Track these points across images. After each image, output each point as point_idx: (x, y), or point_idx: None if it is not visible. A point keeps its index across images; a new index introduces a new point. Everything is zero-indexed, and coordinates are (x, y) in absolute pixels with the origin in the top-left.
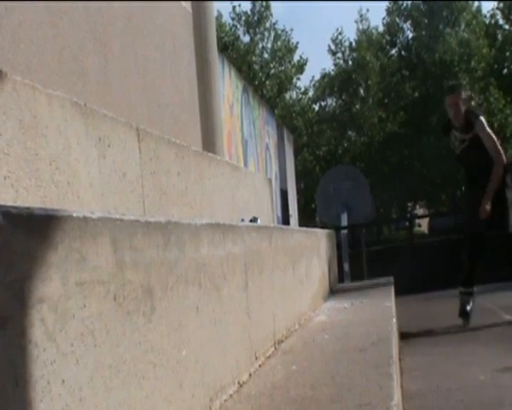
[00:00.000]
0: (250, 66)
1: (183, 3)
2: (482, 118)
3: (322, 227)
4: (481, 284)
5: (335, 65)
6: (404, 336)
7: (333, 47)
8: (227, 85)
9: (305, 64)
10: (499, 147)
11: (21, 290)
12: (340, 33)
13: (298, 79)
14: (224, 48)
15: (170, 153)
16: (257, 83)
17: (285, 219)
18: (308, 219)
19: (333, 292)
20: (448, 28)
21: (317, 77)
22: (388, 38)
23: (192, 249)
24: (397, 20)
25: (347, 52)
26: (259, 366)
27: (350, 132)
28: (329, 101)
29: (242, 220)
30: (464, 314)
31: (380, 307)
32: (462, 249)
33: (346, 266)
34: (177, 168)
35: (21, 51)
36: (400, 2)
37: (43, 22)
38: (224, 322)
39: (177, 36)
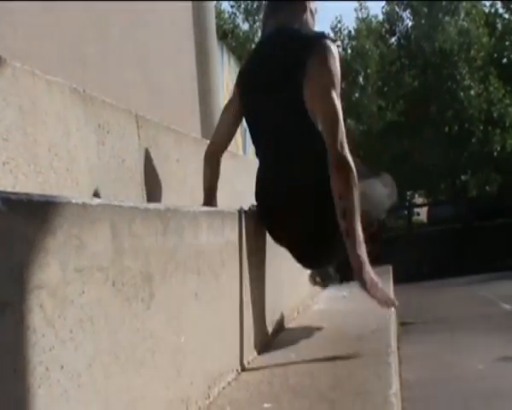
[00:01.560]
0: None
1: None
2: None
3: None
4: (479, 273)
5: None
6: (403, 324)
7: (332, 35)
8: (226, 73)
9: None
10: None
11: (20, 276)
12: (339, 21)
13: None
14: (223, 35)
15: (169, 140)
16: None
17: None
18: None
19: None
20: (447, 17)
21: None
22: (388, 26)
23: (191, 236)
24: (396, 8)
25: (346, 40)
26: (258, 353)
27: (349, 121)
28: None
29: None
30: None
31: None
32: None
33: None
34: (176, 155)
35: (21, 37)
36: None
37: (43, 8)
38: (222, 309)
39: (176, 23)
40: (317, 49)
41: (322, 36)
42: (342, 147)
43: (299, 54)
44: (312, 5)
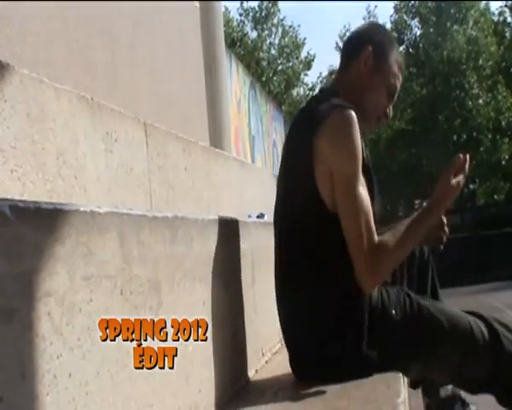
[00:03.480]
0: (258, 62)
1: None
2: None
3: None
4: (487, 282)
5: None
6: None
7: (340, 43)
8: (234, 81)
9: (313, 60)
10: None
11: (29, 284)
12: (347, 30)
13: (305, 75)
14: (232, 44)
15: (177, 148)
16: (264, 79)
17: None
18: None
19: None
20: (456, 26)
21: (325, 73)
22: (396, 35)
23: (199, 245)
24: (404, 17)
25: None
26: (266, 362)
27: None
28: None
29: (249, 216)
30: None
31: None
32: None
33: None
34: (185, 164)
35: (29, 45)
36: (408, 0)
37: (51, 16)
38: (230, 318)
39: (184, 31)
40: (327, 124)
41: (333, 108)
42: (366, 258)
43: (308, 136)
44: (369, 57)
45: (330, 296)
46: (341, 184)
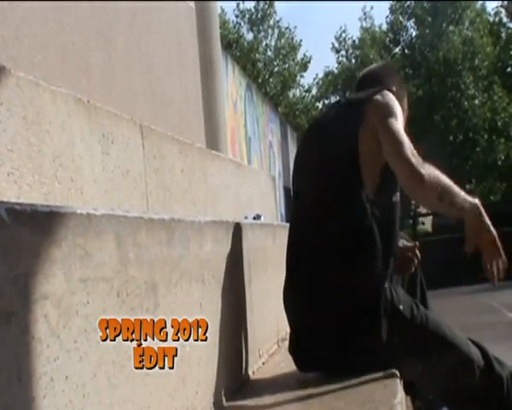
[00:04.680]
0: (254, 64)
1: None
2: None
3: None
4: (485, 281)
5: (339, 63)
6: None
7: (336, 45)
8: (231, 83)
9: (309, 62)
10: None
11: (25, 286)
12: (343, 31)
13: (301, 76)
14: (228, 45)
15: (173, 150)
16: (260, 80)
17: (288, 217)
18: None
19: None
20: (452, 26)
21: (321, 75)
22: (392, 36)
23: (196, 246)
24: (400, 18)
25: (351, 50)
26: (263, 363)
27: None
28: (333, 99)
29: (246, 218)
30: None
31: None
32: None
33: None
34: (181, 165)
35: (25, 47)
36: (404, 1)
37: (47, 18)
38: (227, 319)
39: (181, 33)
40: (372, 102)
41: (374, 92)
42: (411, 167)
43: (356, 111)
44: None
45: (353, 283)
46: (384, 122)
